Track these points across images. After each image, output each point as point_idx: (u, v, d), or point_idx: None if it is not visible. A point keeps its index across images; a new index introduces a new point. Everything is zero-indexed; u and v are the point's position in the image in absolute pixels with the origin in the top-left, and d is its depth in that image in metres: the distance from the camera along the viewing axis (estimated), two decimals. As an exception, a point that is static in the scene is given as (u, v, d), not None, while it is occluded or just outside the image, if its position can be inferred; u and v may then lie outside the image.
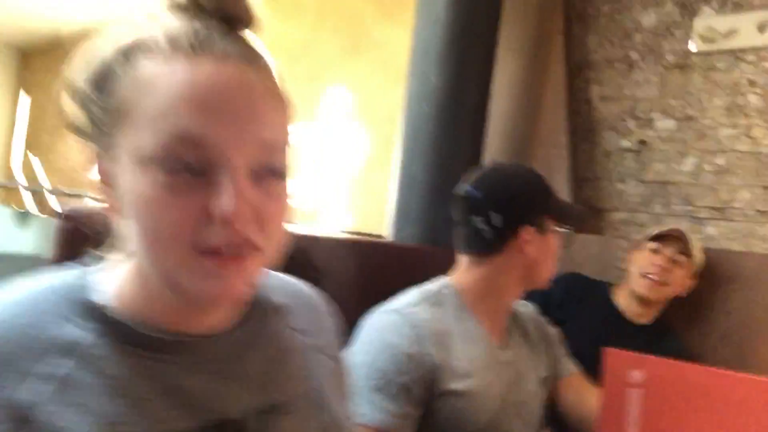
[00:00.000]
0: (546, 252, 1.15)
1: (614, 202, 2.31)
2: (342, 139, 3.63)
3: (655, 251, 1.74)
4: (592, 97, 2.40)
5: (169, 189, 0.47)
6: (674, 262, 1.72)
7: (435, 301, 1.13)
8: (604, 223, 2.31)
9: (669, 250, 1.73)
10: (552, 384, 1.25)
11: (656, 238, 1.76)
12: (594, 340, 1.73)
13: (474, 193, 1.15)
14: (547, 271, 1.16)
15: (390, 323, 1.06)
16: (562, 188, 2.28)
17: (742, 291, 1.81)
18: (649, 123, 2.26)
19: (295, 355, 0.62)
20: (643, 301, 1.75)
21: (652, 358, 0.88)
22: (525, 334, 1.24)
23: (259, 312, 0.61)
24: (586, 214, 1.25)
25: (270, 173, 0.50)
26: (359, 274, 1.48)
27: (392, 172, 2.13)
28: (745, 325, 1.79)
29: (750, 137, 2.03)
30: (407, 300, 1.12)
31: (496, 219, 1.13)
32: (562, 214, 1.18)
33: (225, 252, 0.48)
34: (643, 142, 2.26)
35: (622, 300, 1.80)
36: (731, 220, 2.04)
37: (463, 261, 1.19)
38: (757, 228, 1.99)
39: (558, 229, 1.16)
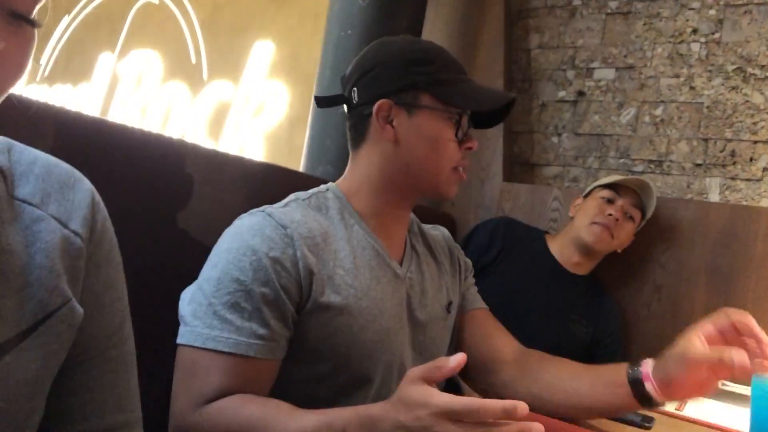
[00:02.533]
0: (416, 135, 0.88)
1: (548, 156, 2.16)
2: (265, 93, 3.37)
3: (609, 201, 1.59)
4: (531, 45, 2.24)
5: None
6: (626, 213, 1.58)
7: (314, 203, 0.90)
8: (537, 178, 2.16)
9: (624, 201, 1.58)
10: (456, 316, 1.05)
11: (612, 186, 1.60)
12: (528, 285, 1.60)
13: (346, 72, 0.94)
14: (429, 167, 0.90)
15: (252, 224, 0.82)
16: (495, 139, 2.11)
17: (679, 242, 1.69)
18: (588, 73, 2.12)
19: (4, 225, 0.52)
20: (586, 250, 1.60)
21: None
22: (432, 254, 1.03)
23: None
24: (499, 96, 0.94)
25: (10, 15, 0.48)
26: (253, 197, 1.24)
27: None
28: (679, 277, 1.67)
29: (691, 87, 1.92)
30: (279, 203, 0.90)
31: (355, 95, 0.91)
32: (447, 92, 0.89)
33: None
34: (581, 93, 2.12)
35: (558, 248, 1.66)
36: (668, 174, 1.92)
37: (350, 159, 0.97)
38: (693, 182, 1.88)
39: (440, 109, 0.88)
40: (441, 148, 0.89)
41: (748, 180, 1.80)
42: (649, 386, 0.87)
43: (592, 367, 0.99)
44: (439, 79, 0.89)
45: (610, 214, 1.56)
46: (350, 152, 0.96)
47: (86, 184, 0.61)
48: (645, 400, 0.88)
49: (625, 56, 2.05)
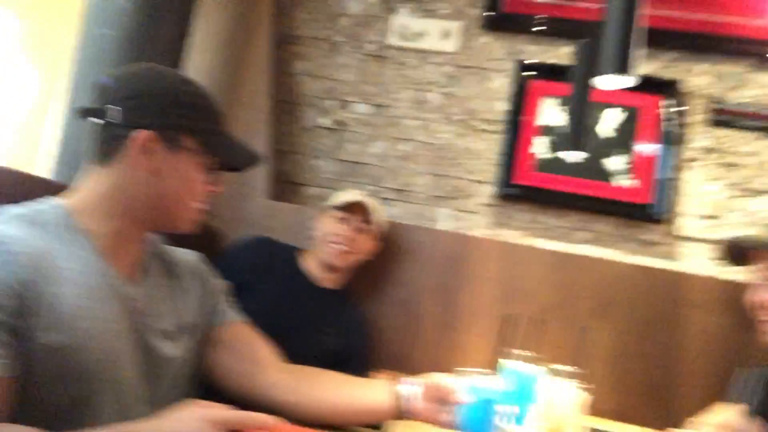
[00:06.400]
0: (173, 173, 0.93)
1: (309, 177, 2.30)
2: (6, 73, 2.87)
3: (341, 219, 1.76)
4: (296, 71, 2.37)
5: None
6: (359, 230, 1.77)
7: (29, 218, 0.87)
8: (299, 198, 2.28)
9: (354, 219, 1.76)
10: (206, 334, 1.09)
11: (342, 207, 1.77)
12: (281, 301, 1.69)
13: (106, 81, 0.93)
14: (175, 203, 0.95)
15: None
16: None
17: (416, 263, 1.97)
18: (346, 105, 2.32)
19: None
20: (329, 267, 1.75)
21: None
22: (172, 277, 1.05)
23: None
24: (253, 157, 1.02)
25: None
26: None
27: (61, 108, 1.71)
28: (417, 294, 1.94)
29: (429, 130, 2.24)
30: None
31: (116, 113, 0.90)
32: (210, 141, 0.95)
33: None
34: (340, 123, 2.31)
35: (310, 265, 1.78)
36: (409, 202, 2.21)
37: (84, 172, 0.95)
38: (427, 210, 2.20)
39: (201, 155, 0.95)
40: (193, 189, 0.95)
41: (468, 212, 2.18)
42: (409, 403, 1.07)
43: (358, 382, 1.14)
44: (205, 127, 0.95)
45: (338, 234, 1.74)
46: (90, 166, 0.93)
47: None
48: (401, 413, 1.08)
49: (377, 95, 2.30)
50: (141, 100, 0.91)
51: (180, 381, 1.00)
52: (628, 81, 1.14)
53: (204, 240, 1.90)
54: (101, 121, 0.91)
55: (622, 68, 1.13)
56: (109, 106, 0.90)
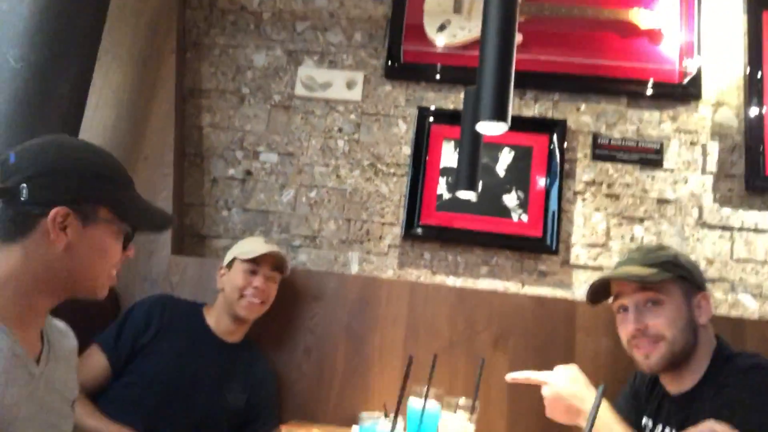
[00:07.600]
0: (89, 245, 0.94)
1: (218, 228, 2.30)
2: None
3: (252, 272, 1.76)
4: (203, 123, 2.39)
5: None
6: (270, 279, 1.78)
7: None
8: (208, 250, 2.27)
9: (265, 269, 1.77)
10: None
11: (252, 259, 1.78)
12: (186, 361, 1.67)
13: (11, 157, 0.93)
14: (94, 274, 0.96)
15: None
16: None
17: (324, 309, 1.99)
18: (255, 155, 2.36)
19: None
20: (239, 320, 1.74)
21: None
22: (60, 351, 1.04)
23: None
24: (166, 219, 1.07)
25: None
26: None
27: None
28: (325, 340, 1.96)
29: (338, 176, 2.30)
30: None
31: (24, 192, 0.90)
32: (124, 210, 0.98)
33: None
34: (248, 173, 2.34)
35: (214, 320, 1.77)
36: (319, 248, 2.24)
37: None
38: (339, 255, 2.23)
39: (116, 225, 0.98)
40: (109, 258, 0.97)
41: (378, 254, 2.23)
42: None
43: None
44: (117, 197, 0.98)
45: (256, 287, 1.74)
46: None
47: None
48: None
49: (286, 144, 2.35)
50: (51, 177, 0.91)
51: None
52: (503, 127, 1.17)
53: (102, 302, 1.87)
54: (11, 201, 0.90)
55: (497, 115, 1.16)
56: (19, 184, 0.89)
